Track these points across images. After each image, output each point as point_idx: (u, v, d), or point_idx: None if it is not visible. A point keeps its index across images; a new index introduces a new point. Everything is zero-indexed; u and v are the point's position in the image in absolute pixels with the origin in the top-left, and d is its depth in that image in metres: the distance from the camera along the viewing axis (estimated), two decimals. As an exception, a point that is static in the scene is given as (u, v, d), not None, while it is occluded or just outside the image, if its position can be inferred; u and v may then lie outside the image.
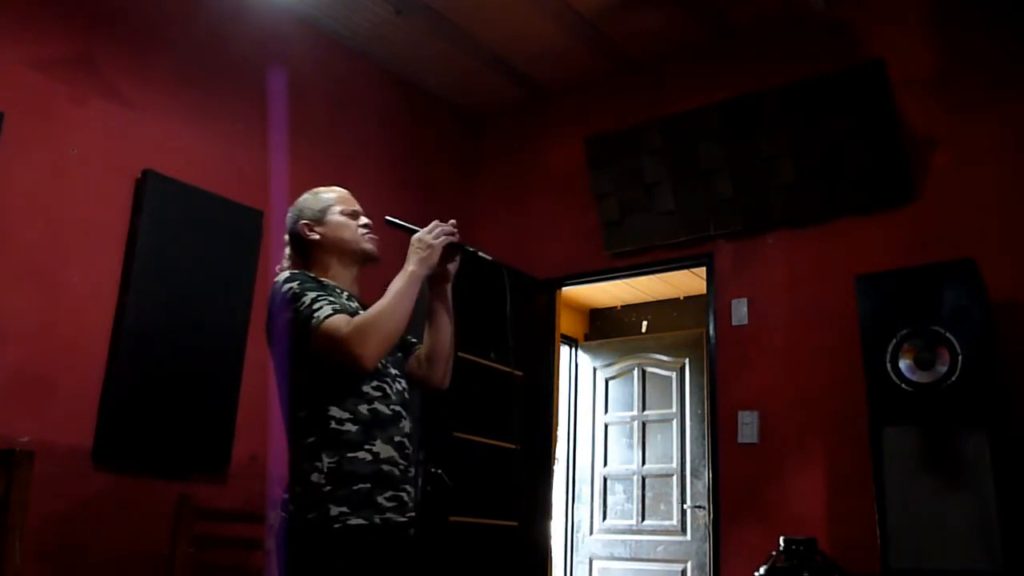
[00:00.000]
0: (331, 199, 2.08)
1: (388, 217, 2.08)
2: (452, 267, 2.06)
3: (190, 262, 3.42)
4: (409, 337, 2.10)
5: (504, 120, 5.05)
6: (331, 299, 1.85)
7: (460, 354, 3.89)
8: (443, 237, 1.97)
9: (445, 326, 2.07)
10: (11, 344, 2.95)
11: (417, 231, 1.99)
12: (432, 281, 2.04)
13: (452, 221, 2.02)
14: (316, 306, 1.81)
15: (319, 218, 2.05)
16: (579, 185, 4.53)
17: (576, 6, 4.03)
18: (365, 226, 2.08)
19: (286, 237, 2.11)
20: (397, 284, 1.89)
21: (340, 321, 1.79)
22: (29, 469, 2.49)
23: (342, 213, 2.06)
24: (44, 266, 3.08)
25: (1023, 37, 3.46)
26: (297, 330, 1.82)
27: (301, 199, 2.11)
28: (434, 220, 2.01)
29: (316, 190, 2.12)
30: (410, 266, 1.92)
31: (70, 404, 3.06)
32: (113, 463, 3.12)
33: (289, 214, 2.10)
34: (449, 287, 2.08)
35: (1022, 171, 3.36)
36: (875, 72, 3.61)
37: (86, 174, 3.23)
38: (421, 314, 2.06)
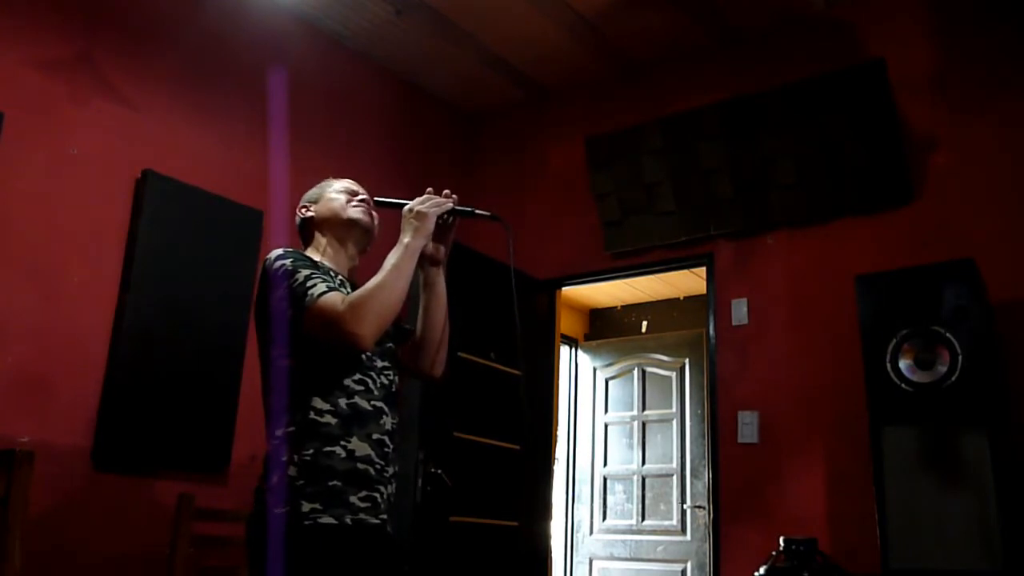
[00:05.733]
0: (332, 183, 2.08)
1: (377, 197, 2.05)
2: (444, 249, 2.01)
3: (190, 262, 3.42)
4: (404, 324, 2.04)
5: (504, 120, 5.05)
6: (324, 278, 1.79)
7: (460, 354, 3.93)
8: (435, 209, 1.92)
9: (437, 311, 2.01)
10: (11, 344, 2.95)
11: (407, 204, 1.95)
12: (424, 263, 1.96)
13: (447, 191, 1.99)
14: (310, 283, 1.75)
15: (315, 198, 2.05)
16: (579, 185, 4.53)
17: (576, 7, 4.03)
18: (358, 198, 2.04)
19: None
20: (392, 258, 1.83)
21: (335, 298, 1.73)
22: (29, 469, 2.48)
23: (337, 192, 2.05)
24: (44, 266, 3.08)
25: (1023, 37, 3.47)
26: (289, 309, 1.76)
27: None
28: (428, 189, 1.99)
29: (325, 181, 2.12)
30: (405, 238, 1.87)
31: (70, 404, 3.06)
32: (113, 463, 3.12)
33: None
34: (441, 270, 2.02)
35: (1022, 171, 3.36)
36: (875, 72, 3.60)
37: (86, 174, 3.23)
38: (415, 299, 2.01)
